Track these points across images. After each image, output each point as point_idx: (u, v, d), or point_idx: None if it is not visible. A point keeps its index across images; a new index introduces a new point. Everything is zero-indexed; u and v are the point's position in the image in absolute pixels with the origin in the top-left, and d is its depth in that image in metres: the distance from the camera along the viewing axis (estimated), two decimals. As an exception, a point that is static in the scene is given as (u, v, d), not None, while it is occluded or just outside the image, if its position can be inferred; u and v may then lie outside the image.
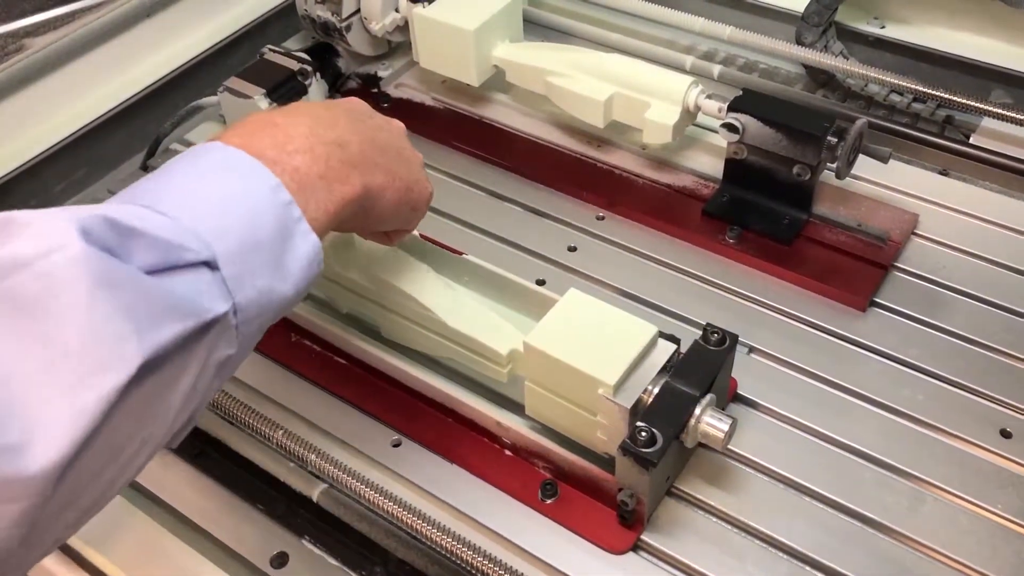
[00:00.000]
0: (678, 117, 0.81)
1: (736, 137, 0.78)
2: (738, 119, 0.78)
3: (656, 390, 0.61)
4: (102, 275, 0.39)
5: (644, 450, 0.58)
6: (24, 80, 0.90)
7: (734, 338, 0.64)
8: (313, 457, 0.63)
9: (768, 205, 0.82)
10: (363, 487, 0.61)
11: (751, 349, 0.74)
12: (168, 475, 0.70)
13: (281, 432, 0.64)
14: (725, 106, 0.79)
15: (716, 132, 0.88)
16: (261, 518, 0.67)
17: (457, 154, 0.93)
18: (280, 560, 0.65)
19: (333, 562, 0.65)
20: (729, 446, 0.66)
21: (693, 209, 0.84)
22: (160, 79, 0.99)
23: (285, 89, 0.90)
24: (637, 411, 0.61)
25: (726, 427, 0.60)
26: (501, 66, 0.91)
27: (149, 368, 0.40)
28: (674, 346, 0.64)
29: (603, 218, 0.85)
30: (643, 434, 0.59)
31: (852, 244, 0.80)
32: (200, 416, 0.68)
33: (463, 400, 0.67)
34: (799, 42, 0.95)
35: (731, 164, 0.82)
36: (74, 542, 0.66)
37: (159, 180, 0.48)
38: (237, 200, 0.48)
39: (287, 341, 0.77)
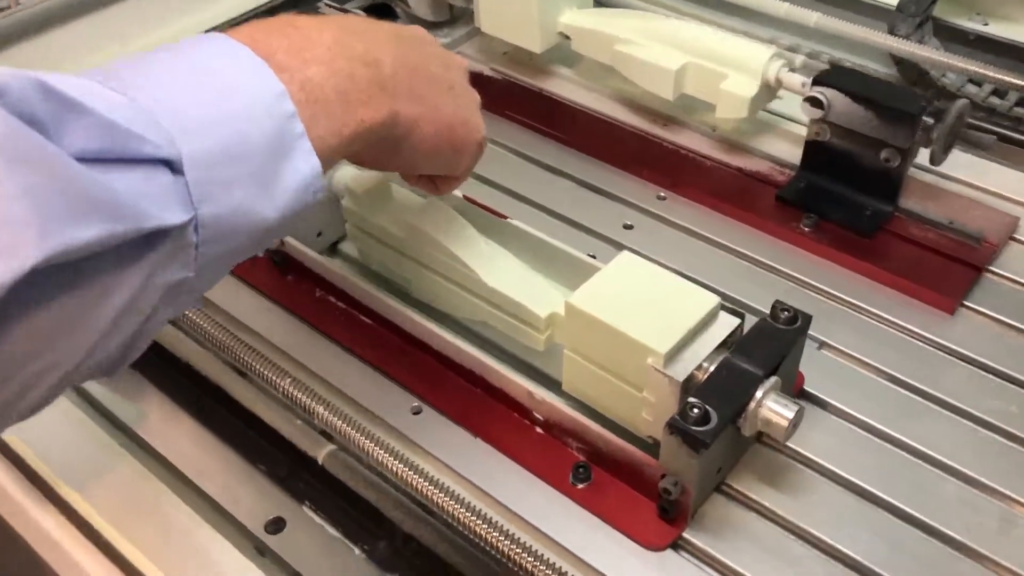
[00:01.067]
0: (756, 90, 0.74)
1: (820, 113, 0.71)
2: (823, 93, 0.71)
3: (713, 367, 0.54)
4: (11, 147, 0.31)
5: (695, 428, 0.50)
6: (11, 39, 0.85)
7: (807, 319, 0.57)
8: (321, 410, 0.56)
9: (850, 194, 0.74)
10: (374, 446, 0.55)
11: (822, 344, 0.66)
12: (165, 426, 0.64)
13: (289, 381, 0.58)
14: (809, 81, 0.72)
15: (794, 121, 0.81)
16: (261, 479, 0.61)
17: (512, 125, 0.87)
18: (276, 526, 0.58)
19: (333, 532, 0.58)
20: (791, 444, 0.59)
21: (765, 195, 0.77)
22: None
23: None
24: (689, 387, 0.53)
25: (791, 414, 0.52)
26: (567, 33, 0.85)
27: (57, 274, 0.32)
28: (737, 320, 0.56)
29: (664, 198, 0.78)
30: (695, 411, 0.51)
31: (942, 242, 0.71)
32: (204, 365, 0.65)
33: (493, 366, 0.60)
34: (892, 34, 0.88)
35: (811, 147, 0.75)
36: (56, 483, 0.60)
37: (135, 59, 0.40)
38: (226, 97, 0.39)
39: (311, 297, 0.70)
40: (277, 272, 0.72)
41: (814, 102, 0.71)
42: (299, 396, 0.57)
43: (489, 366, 0.61)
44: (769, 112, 0.83)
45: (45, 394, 0.36)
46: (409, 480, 0.54)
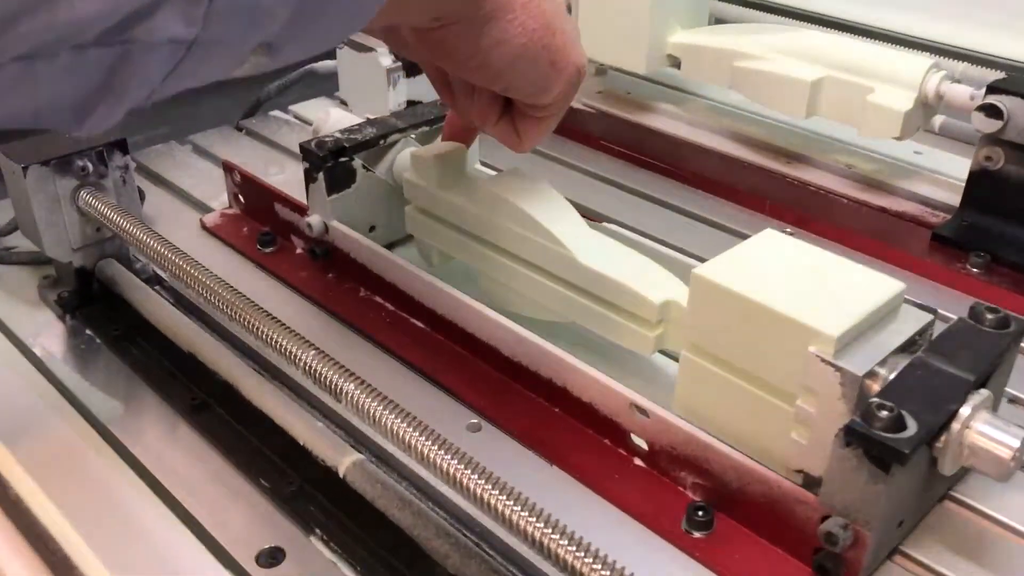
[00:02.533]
0: (912, 104, 0.61)
1: (998, 125, 0.58)
2: (1001, 103, 0.58)
3: (902, 366, 0.38)
4: None
5: (887, 435, 0.35)
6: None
7: (1022, 324, 0.41)
8: (351, 388, 0.41)
9: (1030, 233, 0.60)
10: (428, 444, 0.39)
11: (1011, 399, 0.50)
12: (153, 431, 0.50)
13: (313, 352, 0.43)
14: (980, 92, 0.59)
15: (939, 174, 0.68)
16: (260, 498, 0.45)
17: (610, 157, 0.75)
18: (272, 558, 0.42)
19: (348, 573, 0.42)
20: (990, 510, 0.42)
21: (916, 234, 0.63)
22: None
23: (415, 52, 0.75)
24: (867, 390, 0.38)
25: (1017, 442, 0.36)
26: (677, 54, 0.74)
27: None
28: (928, 316, 0.41)
29: (792, 233, 0.64)
30: (884, 412, 0.35)
31: None
32: (210, 355, 0.50)
33: (580, 370, 0.45)
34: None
35: (979, 177, 0.61)
36: (22, 488, 0.46)
37: None
38: None
39: (355, 296, 0.57)
40: (316, 268, 0.59)
41: (991, 111, 0.58)
42: (324, 371, 0.42)
43: (574, 369, 0.46)
44: (909, 164, 0.70)
45: None
46: (471, 488, 0.37)
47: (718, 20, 0.85)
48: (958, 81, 0.61)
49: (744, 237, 0.64)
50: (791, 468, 0.41)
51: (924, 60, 0.62)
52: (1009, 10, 0.81)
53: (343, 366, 0.42)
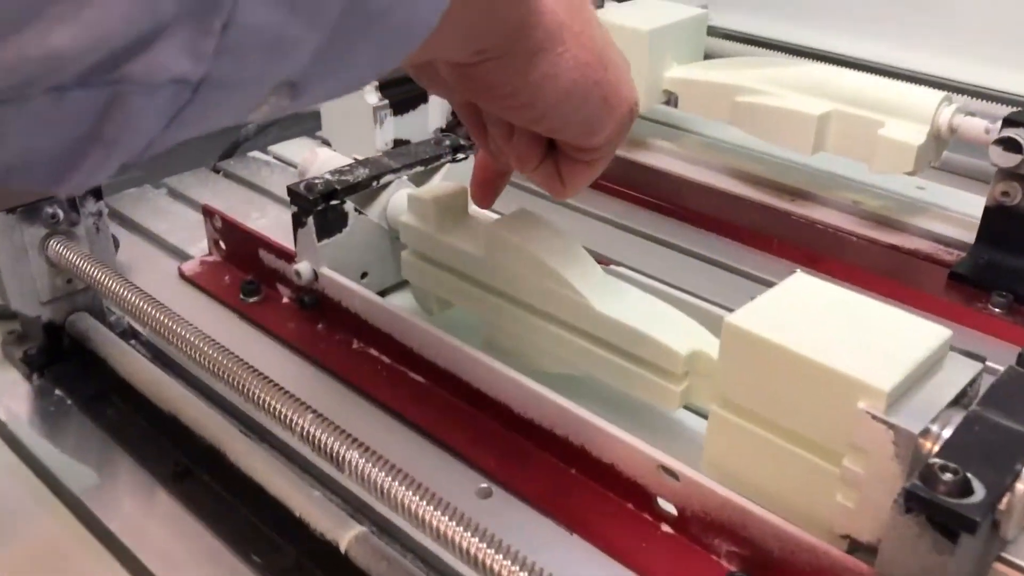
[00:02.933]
0: (925, 138, 0.59)
1: (1016, 159, 0.56)
2: (1020, 135, 0.56)
3: (957, 421, 0.35)
4: None
5: (953, 501, 0.32)
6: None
7: (1078, 372, 0.39)
8: (354, 455, 0.37)
9: (1053, 270, 0.57)
10: (429, 508, 0.35)
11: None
12: (131, 502, 0.46)
13: (311, 416, 0.39)
14: (996, 126, 0.57)
15: (947, 211, 0.66)
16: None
17: (609, 197, 0.72)
18: (264, 646, 0.38)
19: (350, 663, 0.38)
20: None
21: (933, 273, 0.61)
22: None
23: (402, 89, 0.72)
24: (921, 449, 0.35)
25: (1086, 502, 0.33)
26: (674, 89, 0.71)
27: None
28: (978, 365, 0.38)
29: (802, 274, 0.62)
30: (947, 475, 0.32)
31: None
32: (194, 417, 0.46)
33: (600, 428, 0.42)
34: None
35: (995, 213, 0.59)
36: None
37: None
38: None
39: (347, 349, 0.53)
40: (305, 318, 0.55)
41: (1009, 144, 0.56)
42: (323, 438, 0.38)
43: (593, 428, 0.42)
44: (915, 200, 0.68)
45: None
46: (499, 570, 0.34)
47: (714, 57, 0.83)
48: (971, 113, 0.59)
49: (753, 278, 0.62)
50: (836, 533, 0.38)
51: (936, 93, 0.60)
52: (1018, 46, 0.80)
53: (343, 430, 0.39)
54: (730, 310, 0.57)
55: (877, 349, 0.37)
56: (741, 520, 0.38)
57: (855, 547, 0.37)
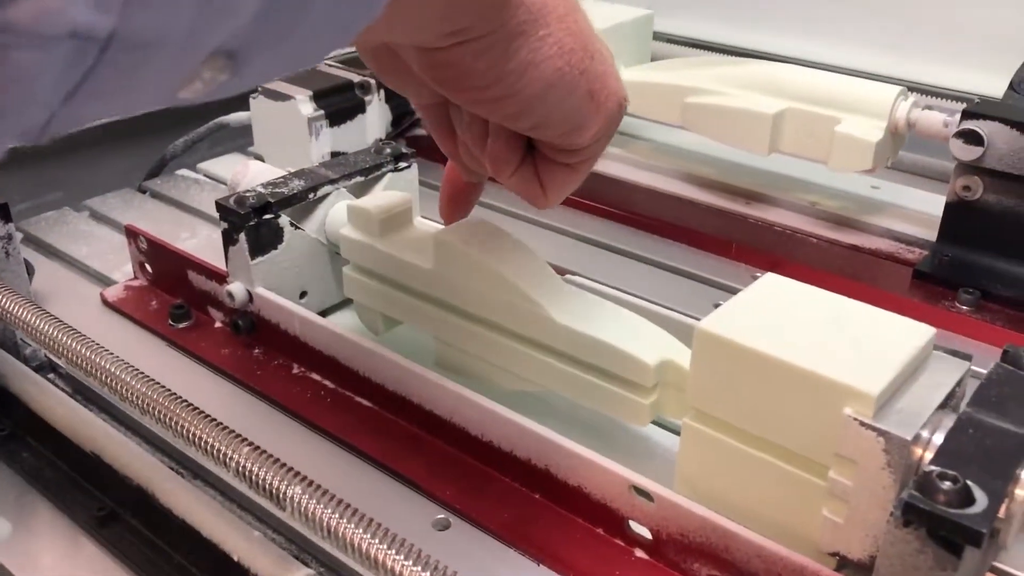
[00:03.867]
0: (882, 134, 0.57)
1: (978, 152, 0.54)
2: (980, 128, 0.54)
3: (948, 425, 0.33)
4: None
5: (957, 512, 0.29)
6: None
7: (1067, 367, 0.37)
8: (296, 492, 0.33)
9: (1018, 266, 0.56)
10: (383, 548, 0.32)
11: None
12: (51, 552, 0.41)
13: (247, 450, 0.35)
14: (954, 119, 0.56)
15: (904, 208, 0.64)
16: (186, 630, 0.37)
17: (561, 206, 0.69)
18: None
19: None
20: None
21: (896, 273, 0.59)
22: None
23: (338, 99, 0.69)
24: (915, 456, 0.32)
25: (1089, 505, 0.31)
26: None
27: None
28: (965, 364, 0.36)
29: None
30: (947, 483, 0.30)
31: None
32: (118, 457, 0.41)
33: (565, 448, 0.39)
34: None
35: (955, 210, 0.57)
36: None
37: None
38: None
39: (287, 374, 0.49)
40: (240, 343, 0.51)
41: (970, 137, 0.54)
42: (262, 474, 0.34)
43: (558, 448, 0.39)
44: (871, 199, 0.66)
45: None
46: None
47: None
48: (928, 106, 0.58)
49: (715, 284, 0.60)
50: (823, 551, 0.35)
51: (892, 87, 0.59)
52: (974, 45, 0.79)
53: (282, 463, 0.35)
54: (696, 318, 0.54)
55: (860, 351, 0.34)
56: (723, 542, 0.35)
57: (844, 564, 0.35)
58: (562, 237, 0.66)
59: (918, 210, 0.64)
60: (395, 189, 0.53)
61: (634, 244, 0.64)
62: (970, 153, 0.54)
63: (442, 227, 0.47)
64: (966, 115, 0.55)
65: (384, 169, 0.54)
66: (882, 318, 0.37)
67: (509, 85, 0.32)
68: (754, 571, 0.35)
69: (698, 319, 0.48)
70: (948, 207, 0.58)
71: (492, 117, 0.36)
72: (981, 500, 0.30)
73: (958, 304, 0.55)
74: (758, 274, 0.60)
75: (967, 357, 0.36)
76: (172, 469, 0.43)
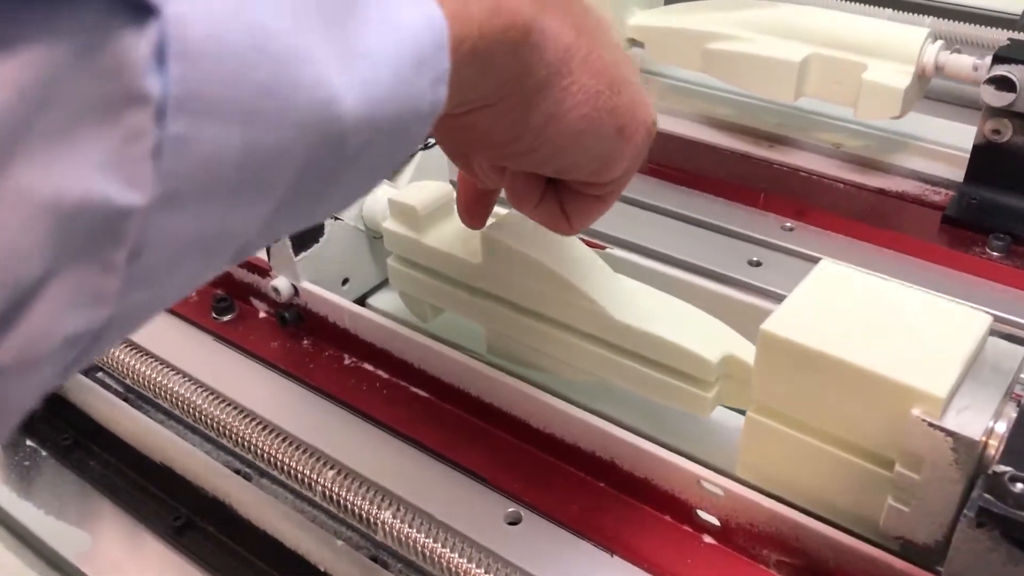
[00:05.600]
0: (910, 80, 0.57)
1: (1009, 98, 0.54)
2: (1011, 73, 0.54)
3: (1012, 416, 0.34)
4: None
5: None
6: None
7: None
8: (387, 517, 0.35)
9: (1048, 207, 0.56)
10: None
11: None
12: (133, 559, 0.43)
13: (332, 474, 0.36)
14: (984, 62, 0.55)
15: (927, 142, 0.64)
16: (281, 637, 0.39)
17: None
18: None
19: None
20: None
21: (923, 218, 0.59)
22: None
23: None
24: (984, 454, 0.34)
25: None
26: (640, 38, 0.68)
27: None
28: (1022, 350, 0.37)
29: (791, 228, 0.60)
30: (1019, 484, 0.31)
31: None
32: (190, 466, 0.43)
33: (631, 443, 0.40)
34: None
35: (983, 152, 0.58)
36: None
37: None
38: None
39: (339, 365, 0.50)
40: (288, 335, 0.52)
41: (1002, 83, 0.54)
42: (351, 499, 0.36)
43: (623, 443, 0.40)
44: (895, 134, 0.66)
45: None
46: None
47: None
48: (957, 49, 0.57)
49: (746, 239, 0.60)
50: (888, 535, 0.37)
51: (919, 30, 0.58)
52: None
53: (369, 485, 0.36)
54: (732, 280, 0.55)
55: (921, 347, 0.35)
56: (792, 532, 0.37)
57: (911, 548, 0.36)
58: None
59: (944, 143, 0.64)
60: (426, 167, 0.53)
61: (661, 197, 0.64)
62: (1002, 99, 0.54)
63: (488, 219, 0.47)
64: (997, 59, 0.54)
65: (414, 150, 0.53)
66: (940, 307, 0.37)
67: (532, 140, 0.31)
68: (824, 559, 0.36)
69: (737, 281, 0.49)
70: (976, 149, 0.58)
71: (515, 167, 0.34)
72: (1052, 499, 0.31)
73: (988, 250, 0.56)
74: (788, 224, 0.61)
75: (1021, 341, 0.37)
76: (241, 474, 0.44)
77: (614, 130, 0.32)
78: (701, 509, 0.39)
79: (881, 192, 0.61)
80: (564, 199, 0.36)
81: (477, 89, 0.28)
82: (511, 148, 0.31)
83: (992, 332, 0.37)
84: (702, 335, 0.40)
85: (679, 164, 0.66)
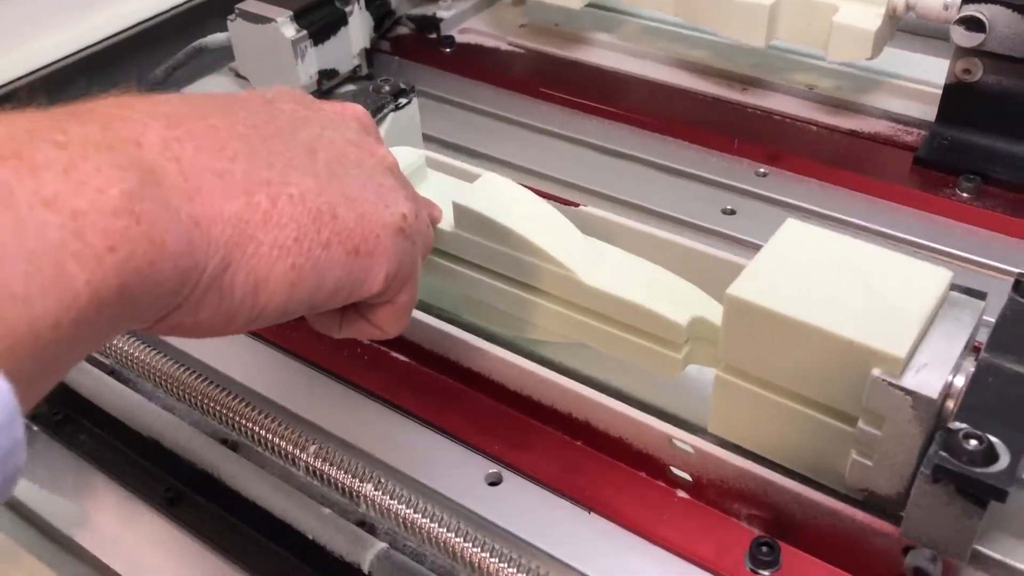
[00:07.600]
0: (881, 21, 0.57)
1: (980, 39, 0.54)
2: (981, 12, 0.54)
3: (969, 372, 0.35)
4: None
5: (982, 471, 0.32)
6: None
7: (1082, 294, 0.39)
8: (370, 490, 0.36)
9: (1018, 146, 0.57)
10: (457, 539, 0.35)
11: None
12: (122, 528, 0.44)
13: (314, 449, 0.38)
14: (956, 2, 0.55)
15: (900, 79, 0.64)
16: (274, 602, 0.41)
17: (548, 105, 0.68)
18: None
19: None
20: None
21: (896, 159, 0.60)
22: (153, 16, 0.75)
23: (319, 15, 0.67)
24: (943, 409, 0.35)
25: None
26: (611, -20, 0.67)
27: None
28: (980, 303, 0.38)
29: (765, 174, 0.60)
30: (972, 441, 0.32)
31: None
32: (178, 439, 0.43)
33: (605, 404, 0.41)
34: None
35: (954, 92, 0.58)
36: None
37: None
38: None
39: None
40: (268, 303, 0.52)
41: (972, 23, 0.54)
42: (334, 473, 0.37)
43: (597, 405, 0.41)
44: (867, 72, 0.66)
45: None
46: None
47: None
48: (926, -12, 0.57)
49: (719, 185, 0.60)
50: (852, 487, 0.38)
51: (887, -31, 0.57)
52: None
53: (353, 460, 0.37)
54: (707, 230, 0.56)
55: (883, 306, 0.36)
56: (761, 487, 0.38)
57: (875, 499, 0.38)
58: (560, 143, 0.65)
59: (919, 79, 0.64)
60: (397, 128, 0.53)
61: (634, 145, 0.64)
62: (972, 40, 0.54)
63: (457, 183, 0.47)
64: (966, -1, 0.54)
65: (386, 110, 0.53)
66: (902, 264, 0.38)
67: (250, 310, 0.29)
68: (792, 513, 0.38)
69: (713, 231, 0.50)
70: (947, 89, 0.58)
71: (277, 321, 0.31)
72: (1004, 457, 0.32)
73: (959, 191, 0.56)
74: (762, 170, 0.61)
75: (982, 296, 0.38)
76: (228, 444, 0.45)
77: (344, 255, 0.31)
78: (674, 466, 0.41)
79: (854, 134, 0.62)
80: (364, 313, 0.35)
81: (144, 314, 0.26)
82: (232, 327, 0.29)
83: (960, 274, 0.38)
84: (671, 298, 0.41)
85: (653, 110, 0.65)
